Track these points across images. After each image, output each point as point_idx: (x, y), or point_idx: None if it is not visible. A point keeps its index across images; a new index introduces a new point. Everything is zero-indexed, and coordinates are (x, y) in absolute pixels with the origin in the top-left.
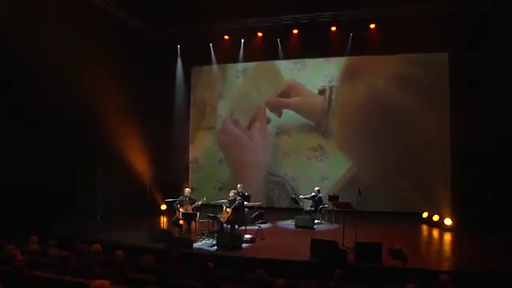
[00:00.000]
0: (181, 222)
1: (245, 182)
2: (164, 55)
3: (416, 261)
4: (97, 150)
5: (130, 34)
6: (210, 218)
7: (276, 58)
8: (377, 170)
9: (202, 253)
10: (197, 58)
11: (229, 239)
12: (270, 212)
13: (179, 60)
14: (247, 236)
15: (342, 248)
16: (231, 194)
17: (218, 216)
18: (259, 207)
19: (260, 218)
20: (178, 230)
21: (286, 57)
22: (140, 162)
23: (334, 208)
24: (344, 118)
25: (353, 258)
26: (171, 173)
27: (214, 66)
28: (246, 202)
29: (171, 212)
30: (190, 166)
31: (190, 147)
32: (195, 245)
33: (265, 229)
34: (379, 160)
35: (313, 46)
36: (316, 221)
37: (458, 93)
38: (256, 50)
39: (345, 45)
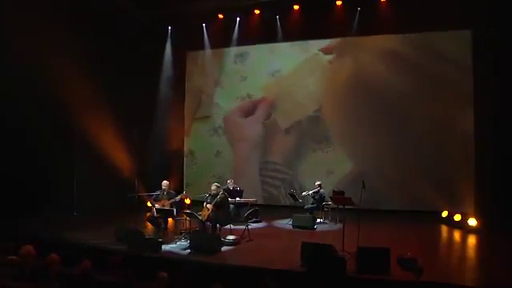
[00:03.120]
0: (160, 219)
1: (244, 177)
2: (153, 38)
3: (433, 272)
4: (73, 145)
5: (113, 16)
6: (186, 215)
7: (275, 39)
8: (389, 163)
9: (169, 257)
10: (189, 42)
11: (205, 241)
12: (271, 210)
13: (169, 43)
14: (230, 237)
15: (340, 254)
16: (213, 187)
17: (198, 214)
18: (253, 204)
19: (254, 216)
20: (154, 228)
21: (286, 38)
22: (122, 156)
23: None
24: (353, 105)
25: (353, 268)
26: (158, 167)
27: (209, 51)
28: (238, 198)
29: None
30: (185, 159)
31: (185, 139)
32: (166, 247)
33: (258, 228)
34: (391, 152)
35: (316, 25)
36: (319, 220)
37: (482, 77)
38: (253, 31)
39: (351, 22)
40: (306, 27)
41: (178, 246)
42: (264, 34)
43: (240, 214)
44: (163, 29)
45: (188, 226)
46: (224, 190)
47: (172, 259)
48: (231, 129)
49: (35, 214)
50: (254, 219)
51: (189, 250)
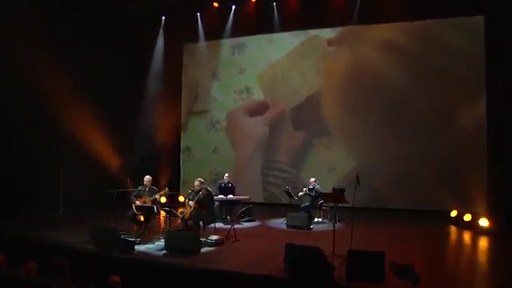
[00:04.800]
0: (141, 217)
1: (245, 175)
2: (146, 29)
3: (435, 279)
4: (59, 142)
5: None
6: (165, 212)
7: (272, 28)
8: (393, 159)
9: (140, 258)
10: (184, 33)
11: (182, 241)
12: (271, 209)
13: (162, 35)
14: (213, 237)
15: (329, 258)
16: (196, 183)
17: (181, 212)
18: (246, 202)
19: (247, 215)
20: (136, 227)
21: (284, 27)
22: (112, 153)
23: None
24: (354, 99)
25: (343, 274)
26: (153, 164)
27: (206, 42)
28: (231, 196)
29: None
30: (182, 156)
31: (182, 135)
32: (141, 247)
33: (249, 228)
34: (395, 148)
35: (314, 12)
36: (317, 219)
37: (496, 69)
38: (249, 20)
39: (352, 10)
40: (304, 15)
41: (156, 246)
42: (261, 23)
43: (233, 212)
44: (156, 19)
45: (170, 224)
46: (219, 184)
47: (141, 261)
48: (235, 127)
49: (21, 213)
50: (247, 218)
51: (164, 251)
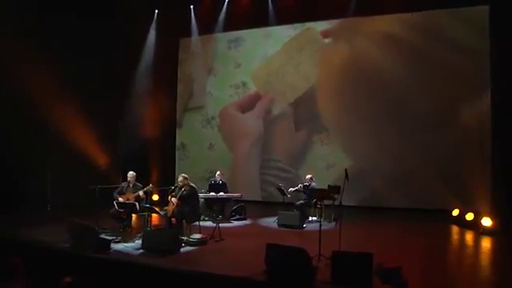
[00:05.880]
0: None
1: (240, 172)
2: (138, 24)
3: (429, 283)
4: (46, 135)
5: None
6: (146, 209)
7: (266, 20)
8: (392, 156)
9: (115, 258)
10: (178, 28)
11: (160, 240)
12: (268, 208)
13: (154, 29)
14: (195, 236)
15: (313, 260)
16: (180, 178)
17: (164, 209)
18: (238, 199)
19: (238, 213)
20: (119, 225)
21: (279, 20)
22: (102, 149)
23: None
24: (356, 93)
25: (328, 278)
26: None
27: (201, 36)
28: (222, 193)
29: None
30: (177, 153)
31: (177, 131)
32: (118, 246)
33: (238, 227)
34: (395, 145)
35: (310, 3)
36: (313, 218)
37: (501, 62)
38: (243, 12)
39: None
40: (299, 7)
41: (135, 245)
42: (256, 16)
43: (224, 210)
44: (149, 13)
45: (152, 222)
46: (210, 181)
47: (115, 260)
48: (228, 124)
49: (9, 211)
50: (238, 216)
51: (142, 251)
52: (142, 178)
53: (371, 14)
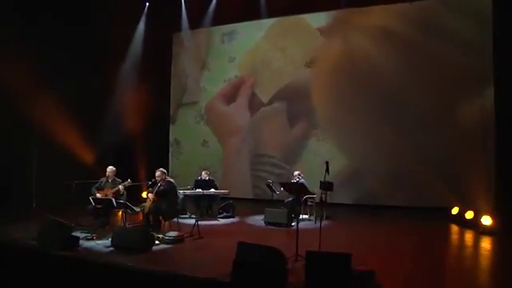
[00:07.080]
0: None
1: (232, 169)
2: (129, 16)
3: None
4: (33, 131)
5: None
6: (122, 206)
7: (258, 14)
8: (390, 153)
9: (81, 256)
10: (170, 21)
11: (130, 237)
12: (261, 205)
13: (144, 22)
14: (171, 234)
15: (287, 261)
16: (157, 173)
17: (142, 205)
18: (225, 196)
19: (226, 210)
20: (97, 222)
21: (271, 12)
22: (89, 145)
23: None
24: (351, 89)
25: (302, 280)
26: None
27: (194, 30)
28: (213, 190)
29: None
30: (171, 149)
31: (171, 127)
32: (88, 244)
33: (224, 225)
34: (393, 142)
35: None
36: (304, 216)
37: (506, 56)
38: (235, 3)
39: None
40: None
41: (108, 242)
42: (246, 8)
43: (212, 208)
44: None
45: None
46: (196, 181)
47: (81, 258)
48: (215, 119)
49: None
50: (225, 214)
51: (111, 249)
52: (133, 175)
53: (366, 5)
